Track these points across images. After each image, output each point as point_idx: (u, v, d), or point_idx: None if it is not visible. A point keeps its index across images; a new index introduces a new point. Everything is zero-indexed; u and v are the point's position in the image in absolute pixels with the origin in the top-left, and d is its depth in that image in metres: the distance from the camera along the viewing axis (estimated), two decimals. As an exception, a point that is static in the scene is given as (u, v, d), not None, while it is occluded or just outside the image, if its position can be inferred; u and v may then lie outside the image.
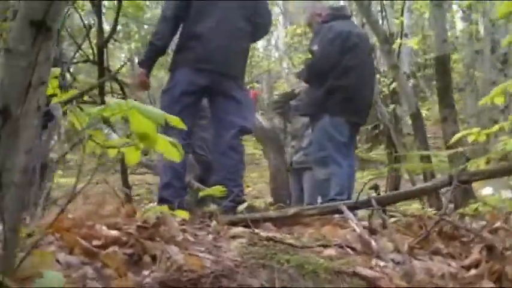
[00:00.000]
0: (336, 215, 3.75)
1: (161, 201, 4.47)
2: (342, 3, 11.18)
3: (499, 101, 3.58)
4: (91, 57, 7.64)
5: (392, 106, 10.84)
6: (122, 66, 8.27)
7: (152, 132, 1.96)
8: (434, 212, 5.41)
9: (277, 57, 17.06)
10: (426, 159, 7.58)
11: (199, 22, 4.79)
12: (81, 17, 7.79)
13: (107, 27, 9.29)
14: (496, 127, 3.87)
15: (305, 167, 7.03)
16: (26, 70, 1.33)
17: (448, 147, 7.70)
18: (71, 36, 7.64)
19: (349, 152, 5.69)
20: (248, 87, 6.25)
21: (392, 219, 3.89)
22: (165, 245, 2.29)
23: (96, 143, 1.99)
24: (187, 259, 2.25)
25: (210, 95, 4.89)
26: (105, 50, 5.86)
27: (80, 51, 7.16)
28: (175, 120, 1.93)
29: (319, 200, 6.63)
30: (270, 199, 7.02)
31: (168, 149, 2.14)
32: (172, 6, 4.82)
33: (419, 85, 19.15)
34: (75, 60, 7.16)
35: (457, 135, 4.37)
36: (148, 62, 4.89)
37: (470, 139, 4.03)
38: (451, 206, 7.08)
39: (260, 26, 5.16)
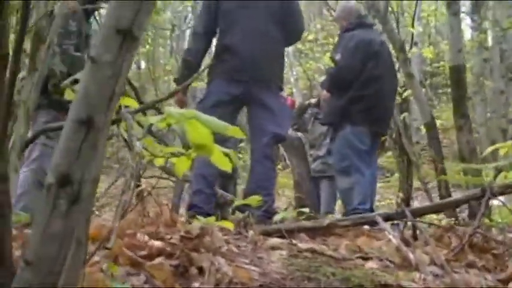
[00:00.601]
0: (366, 226, 3.74)
1: (192, 207, 4.50)
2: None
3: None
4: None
5: (404, 114, 10.81)
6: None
7: (209, 142, 1.93)
8: (462, 223, 5.39)
9: (287, 63, 17.03)
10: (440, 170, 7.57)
11: (229, 33, 4.79)
12: (96, 20, 7.81)
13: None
14: (528, 141, 3.84)
15: (323, 175, 7.02)
16: (110, 80, 1.30)
17: (462, 157, 7.70)
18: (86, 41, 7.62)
19: (371, 161, 5.66)
20: (285, 94, 6.22)
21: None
22: (212, 257, 2.25)
23: (149, 152, 1.95)
24: (236, 271, 2.22)
25: (245, 104, 4.92)
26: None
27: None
28: (233, 130, 1.90)
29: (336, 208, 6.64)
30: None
31: (221, 159, 2.11)
32: (202, 22, 4.86)
33: (427, 93, 19.14)
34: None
35: (491, 148, 4.35)
36: (183, 80, 4.81)
37: (502, 152, 4.00)
38: (463, 215, 7.09)
39: (293, 30, 5.12)
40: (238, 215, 5.50)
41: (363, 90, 5.53)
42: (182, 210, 5.55)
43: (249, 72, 4.74)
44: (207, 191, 4.57)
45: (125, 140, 1.87)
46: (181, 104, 4.99)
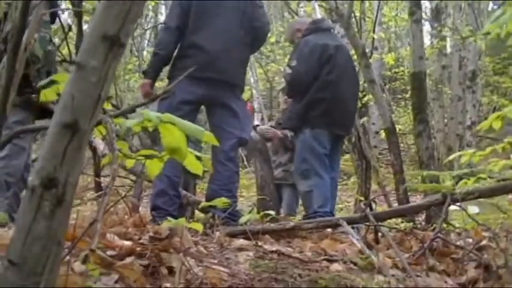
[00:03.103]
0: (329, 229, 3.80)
1: (155, 209, 4.48)
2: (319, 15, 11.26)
3: (497, 125, 3.65)
4: (68, 58, 7.59)
5: (363, 119, 10.98)
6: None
7: (184, 145, 1.97)
8: (420, 227, 5.50)
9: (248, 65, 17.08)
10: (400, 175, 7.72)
11: (199, 31, 4.79)
12: (59, 18, 7.72)
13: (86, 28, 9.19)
14: (489, 149, 3.94)
15: (285, 183, 7.07)
16: (96, 85, 1.32)
17: (421, 163, 7.84)
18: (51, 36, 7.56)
19: (333, 163, 5.73)
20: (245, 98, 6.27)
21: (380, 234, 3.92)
22: (182, 257, 2.28)
23: (124, 154, 1.98)
24: (206, 272, 2.25)
25: (208, 104, 4.90)
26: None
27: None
28: (208, 136, 1.94)
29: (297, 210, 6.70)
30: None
31: (193, 163, 2.15)
32: (175, 16, 4.81)
33: (386, 98, 19.38)
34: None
35: (452, 156, 4.45)
36: (152, 73, 4.85)
37: (463, 160, 4.10)
38: (419, 219, 7.22)
39: (259, 35, 5.17)
40: (199, 215, 5.55)
41: (320, 93, 5.57)
42: (141, 209, 5.52)
43: (217, 72, 4.74)
44: (170, 192, 4.57)
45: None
46: (148, 97, 4.89)
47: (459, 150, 14.96)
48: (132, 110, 1.81)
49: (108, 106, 1.98)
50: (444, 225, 3.71)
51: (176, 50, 4.87)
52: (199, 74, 4.59)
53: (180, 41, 4.83)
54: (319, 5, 10.84)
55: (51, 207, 1.35)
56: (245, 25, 4.98)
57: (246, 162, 16.43)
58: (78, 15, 7.23)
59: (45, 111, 4.37)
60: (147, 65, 5.00)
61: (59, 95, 1.98)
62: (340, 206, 11.78)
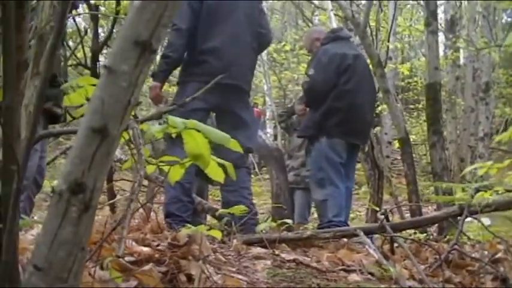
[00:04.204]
0: (344, 239, 3.78)
1: (169, 216, 4.45)
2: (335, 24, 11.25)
3: (519, 137, 3.64)
4: (83, 62, 7.62)
5: (376, 128, 10.95)
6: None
7: (207, 152, 1.96)
8: (432, 238, 5.48)
9: (262, 72, 17.09)
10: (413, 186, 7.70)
11: (212, 36, 4.74)
12: (75, 21, 7.74)
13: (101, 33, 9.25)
14: (507, 162, 3.92)
15: (296, 187, 7.07)
16: (126, 90, 1.31)
17: (434, 174, 7.82)
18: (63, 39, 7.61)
19: (348, 173, 5.71)
20: (252, 104, 6.27)
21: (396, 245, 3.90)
22: (202, 265, 2.27)
23: (145, 160, 1.97)
24: (225, 280, 2.24)
25: (219, 111, 4.87)
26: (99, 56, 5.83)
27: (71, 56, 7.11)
28: (234, 144, 1.93)
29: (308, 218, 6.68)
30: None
31: (217, 171, 2.14)
32: (185, 18, 4.70)
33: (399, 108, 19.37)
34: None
35: (469, 168, 4.43)
36: (162, 75, 4.78)
37: (480, 172, 4.08)
38: (431, 230, 7.19)
39: (263, 42, 5.18)
40: (211, 221, 5.53)
41: (337, 103, 5.56)
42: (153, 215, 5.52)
43: (228, 78, 4.59)
44: (184, 198, 4.53)
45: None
46: (158, 101, 4.94)
47: (471, 162, 14.96)
48: (159, 116, 1.80)
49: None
50: (459, 236, 3.69)
51: (187, 54, 4.81)
52: (211, 80, 4.58)
53: (190, 43, 4.75)
54: (334, 14, 10.83)
55: (78, 212, 1.34)
56: (253, 30, 4.98)
57: (257, 170, 16.40)
58: (94, 19, 7.25)
59: (52, 117, 4.37)
60: (157, 67, 4.88)
61: (87, 99, 1.97)
62: (351, 215, 11.75)
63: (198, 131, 1.86)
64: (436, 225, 6.80)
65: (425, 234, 6.29)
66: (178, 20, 4.72)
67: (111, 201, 6.24)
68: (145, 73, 1.34)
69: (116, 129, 1.33)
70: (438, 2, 11.86)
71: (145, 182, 7.58)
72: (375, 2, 10.63)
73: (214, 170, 2.13)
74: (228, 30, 4.81)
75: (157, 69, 4.84)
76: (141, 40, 1.31)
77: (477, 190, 3.81)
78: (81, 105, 2.10)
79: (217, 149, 4.76)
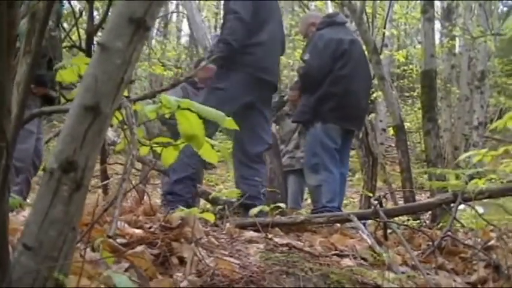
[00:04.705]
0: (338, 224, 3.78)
1: (171, 194, 4.50)
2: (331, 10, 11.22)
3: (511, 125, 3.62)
4: (77, 44, 7.56)
5: (371, 115, 10.94)
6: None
7: (201, 133, 1.94)
8: (425, 225, 5.49)
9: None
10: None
11: (261, 31, 4.83)
12: (70, 3, 7.67)
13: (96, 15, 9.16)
14: (501, 149, 3.91)
15: (290, 169, 7.06)
16: (120, 67, 1.30)
17: (428, 161, 7.82)
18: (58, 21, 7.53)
19: (343, 159, 5.70)
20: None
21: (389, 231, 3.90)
22: (194, 247, 2.26)
23: (139, 141, 1.95)
24: (217, 263, 2.23)
25: (249, 106, 4.87)
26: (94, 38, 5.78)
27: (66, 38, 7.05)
28: (229, 122, 1.91)
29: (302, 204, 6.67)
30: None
31: (210, 152, 2.12)
32: (248, 11, 4.72)
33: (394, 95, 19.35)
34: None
35: (464, 155, 4.42)
36: (223, 60, 4.71)
37: (475, 159, 4.07)
38: (423, 218, 7.20)
39: (284, 43, 5.38)
40: (205, 205, 5.54)
41: (333, 88, 5.52)
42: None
43: (268, 74, 4.83)
44: (189, 181, 4.58)
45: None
46: (205, 81, 5.07)
47: (465, 150, 14.96)
48: (153, 95, 1.78)
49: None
50: (452, 224, 3.68)
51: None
52: (259, 74, 4.76)
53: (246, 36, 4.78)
54: (331, 0, 10.79)
55: (69, 191, 1.33)
56: (282, 35, 5.23)
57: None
58: (89, 1, 7.19)
59: (46, 99, 4.35)
60: (216, 51, 4.73)
61: (80, 76, 1.95)
62: (345, 202, 11.76)
63: (192, 111, 1.83)
64: (430, 212, 6.80)
65: (418, 222, 6.29)
66: (243, 10, 4.73)
67: (103, 183, 6.20)
68: (138, 50, 1.32)
69: (108, 108, 1.31)
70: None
71: (140, 166, 7.57)
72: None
73: (208, 152, 2.11)
74: (272, 28, 4.94)
75: (219, 53, 4.71)
76: (136, 17, 1.29)
77: (471, 177, 3.80)
78: (76, 87, 2.07)
79: (241, 143, 4.84)
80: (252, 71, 4.74)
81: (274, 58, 5.00)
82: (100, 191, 6.14)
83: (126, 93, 2.14)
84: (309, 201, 6.74)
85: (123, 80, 1.31)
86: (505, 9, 21.59)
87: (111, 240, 2.24)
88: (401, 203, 8.64)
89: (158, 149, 2.16)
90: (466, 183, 3.79)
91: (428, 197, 8.63)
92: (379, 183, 9.66)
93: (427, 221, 6.86)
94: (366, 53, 8.05)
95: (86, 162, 1.33)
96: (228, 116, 2.03)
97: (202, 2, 21.30)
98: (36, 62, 1.36)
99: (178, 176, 4.57)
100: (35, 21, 1.83)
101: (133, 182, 4.64)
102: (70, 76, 1.99)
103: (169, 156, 2.17)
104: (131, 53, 1.30)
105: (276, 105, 7.29)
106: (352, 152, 11.72)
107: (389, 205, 8.28)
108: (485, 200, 4.01)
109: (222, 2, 5.27)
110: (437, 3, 17.80)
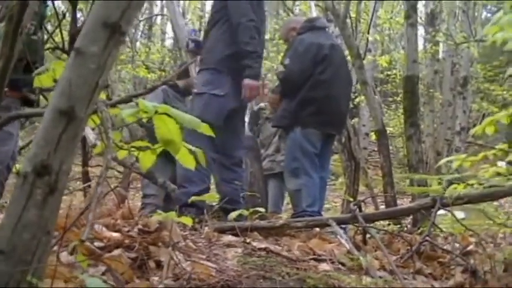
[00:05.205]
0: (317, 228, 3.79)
1: (192, 207, 4.15)
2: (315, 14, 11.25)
3: (490, 130, 3.65)
4: (60, 46, 7.54)
5: (354, 120, 11.01)
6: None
7: (178, 138, 1.94)
8: (406, 230, 5.52)
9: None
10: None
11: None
12: (53, 4, 7.65)
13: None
14: (480, 155, 3.94)
15: (271, 173, 7.06)
16: (95, 72, 1.30)
17: (410, 166, 7.87)
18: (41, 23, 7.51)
19: (323, 163, 5.70)
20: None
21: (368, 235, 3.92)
22: (171, 251, 2.26)
23: (117, 145, 1.95)
24: (194, 267, 2.23)
25: (235, 110, 4.90)
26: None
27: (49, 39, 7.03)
28: (206, 129, 1.92)
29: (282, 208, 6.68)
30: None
31: (187, 157, 2.13)
32: (253, 15, 4.78)
33: (377, 100, 19.42)
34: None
35: (443, 160, 4.45)
36: (259, 72, 4.88)
37: (455, 165, 4.09)
38: (405, 222, 7.24)
39: None
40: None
41: (313, 93, 5.52)
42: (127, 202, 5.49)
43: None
44: (207, 192, 4.40)
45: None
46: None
47: (447, 155, 15.05)
48: (129, 99, 1.78)
49: (102, 96, 1.94)
50: (432, 228, 3.71)
51: (230, 46, 4.80)
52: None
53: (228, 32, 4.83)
54: (315, 5, 10.82)
55: (43, 195, 1.33)
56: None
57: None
58: (72, 2, 7.18)
59: (26, 102, 4.32)
60: (251, 66, 4.76)
61: (55, 81, 1.95)
62: (327, 206, 11.77)
63: (170, 116, 1.84)
64: (411, 217, 6.84)
65: (398, 226, 6.32)
66: (252, 15, 4.77)
67: (83, 186, 6.19)
68: (114, 55, 1.33)
69: (82, 112, 1.32)
70: (419, -4, 11.92)
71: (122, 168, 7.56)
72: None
73: (185, 157, 2.11)
74: (262, 30, 5.04)
75: (253, 68, 4.77)
76: (111, 22, 1.30)
77: (450, 183, 3.83)
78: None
79: (223, 146, 4.82)
80: (241, 76, 4.72)
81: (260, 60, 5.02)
82: (80, 193, 6.15)
83: (109, 96, 2.15)
84: (290, 205, 6.75)
85: (98, 84, 1.31)
86: (489, 15, 21.74)
87: (88, 243, 2.24)
88: (382, 207, 8.68)
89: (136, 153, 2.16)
90: (445, 188, 3.82)
91: (410, 202, 8.68)
92: (362, 188, 9.68)
93: (409, 225, 6.90)
94: (349, 57, 8.10)
95: (60, 166, 1.33)
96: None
97: (187, 4, 21.31)
98: (8, 66, 1.36)
99: (199, 188, 4.41)
100: (11, 24, 1.83)
101: (115, 185, 4.63)
102: (47, 81, 1.99)
103: (147, 160, 2.17)
104: (106, 57, 1.31)
105: (251, 119, 7.32)
106: (335, 156, 11.77)
107: (371, 209, 8.33)
108: (467, 205, 4.04)
109: (211, 2, 5.27)
110: (421, 9, 17.93)
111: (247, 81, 4.69)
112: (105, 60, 1.31)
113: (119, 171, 8.50)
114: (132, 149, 2.11)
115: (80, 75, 1.30)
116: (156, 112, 1.82)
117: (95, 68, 1.30)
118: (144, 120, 1.97)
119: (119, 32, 1.30)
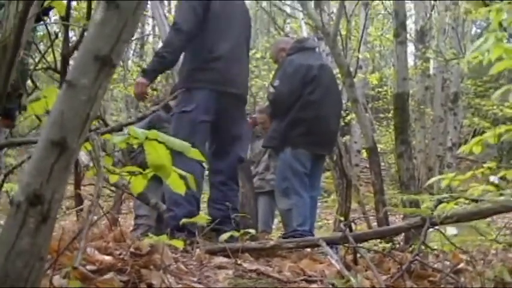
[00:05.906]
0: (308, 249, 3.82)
1: (182, 231, 4.10)
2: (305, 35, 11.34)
3: (477, 150, 3.70)
4: (53, 66, 7.58)
5: (345, 137, 11.06)
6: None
7: (168, 163, 1.98)
8: (397, 248, 5.53)
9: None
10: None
11: (220, 43, 4.65)
12: (46, 25, 7.68)
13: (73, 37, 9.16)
14: (469, 174, 3.98)
15: (261, 191, 7.08)
16: (86, 104, 1.33)
17: (401, 183, 7.90)
18: (33, 43, 7.53)
19: (313, 182, 5.74)
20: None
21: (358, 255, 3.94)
22: (162, 274, 2.29)
23: (108, 170, 1.98)
24: (185, 290, 2.26)
25: (219, 121, 4.67)
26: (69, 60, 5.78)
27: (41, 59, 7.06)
28: (196, 153, 1.95)
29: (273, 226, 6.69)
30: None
31: (177, 182, 2.16)
32: (189, 20, 4.53)
33: (368, 117, 19.48)
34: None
35: (433, 179, 4.49)
36: (154, 74, 4.63)
37: (443, 184, 4.12)
38: (398, 239, 7.26)
39: (248, 52, 5.17)
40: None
41: (302, 113, 5.57)
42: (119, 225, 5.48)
43: (237, 87, 4.67)
44: (195, 215, 4.15)
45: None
46: (143, 98, 4.74)
47: (439, 172, 15.12)
48: (120, 128, 1.82)
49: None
50: (422, 247, 3.73)
51: (194, 60, 4.65)
52: (222, 88, 4.57)
53: (197, 48, 4.61)
54: (305, 23, 10.89)
55: (36, 223, 1.35)
56: (246, 35, 5.01)
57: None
58: (64, 24, 7.22)
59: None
60: (149, 64, 4.70)
61: (47, 112, 1.98)
62: (319, 223, 11.79)
63: (159, 142, 1.87)
64: (403, 234, 6.86)
65: (390, 244, 6.34)
66: (181, 20, 4.58)
67: (76, 208, 6.19)
68: (104, 87, 1.36)
69: (74, 143, 1.35)
70: (408, 13, 12.01)
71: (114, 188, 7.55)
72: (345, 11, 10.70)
73: (175, 181, 2.14)
74: (233, 35, 4.75)
75: (150, 67, 4.65)
76: (102, 55, 1.33)
77: (439, 201, 3.86)
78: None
79: (213, 158, 4.70)
80: (216, 88, 4.57)
81: (239, 68, 4.79)
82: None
83: (101, 115, 2.18)
84: (281, 224, 6.78)
85: (89, 115, 1.35)
86: (478, 31, 21.91)
87: (80, 267, 2.26)
88: (374, 224, 8.70)
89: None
90: (435, 207, 3.85)
91: (402, 219, 8.70)
92: (354, 205, 9.71)
93: (401, 243, 6.92)
94: (340, 75, 8.16)
95: (52, 195, 1.36)
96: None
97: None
98: (2, 96, 1.39)
99: (186, 210, 4.29)
100: (6, 53, 1.86)
101: (108, 205, 4.62)
102: (39, 109, 2.03)
103: (139, 184, 2.20)
104: (97, 89, 1.34)
105: None
106: (328, 173, 11.81)
107: (363, 227, 8.34)
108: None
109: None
110: (411, 26, 18.06)
111: (138, 78, 4.66)
112: (95, 92, 1.34)
113: (111, 190, 8.48)
114: (124, 174, 2.14)
115: (72, 107, 1.33)
116: (146, 138, 1.85)
117: (86, 100, 1.33)
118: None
119: (109, 64, 1.33)
